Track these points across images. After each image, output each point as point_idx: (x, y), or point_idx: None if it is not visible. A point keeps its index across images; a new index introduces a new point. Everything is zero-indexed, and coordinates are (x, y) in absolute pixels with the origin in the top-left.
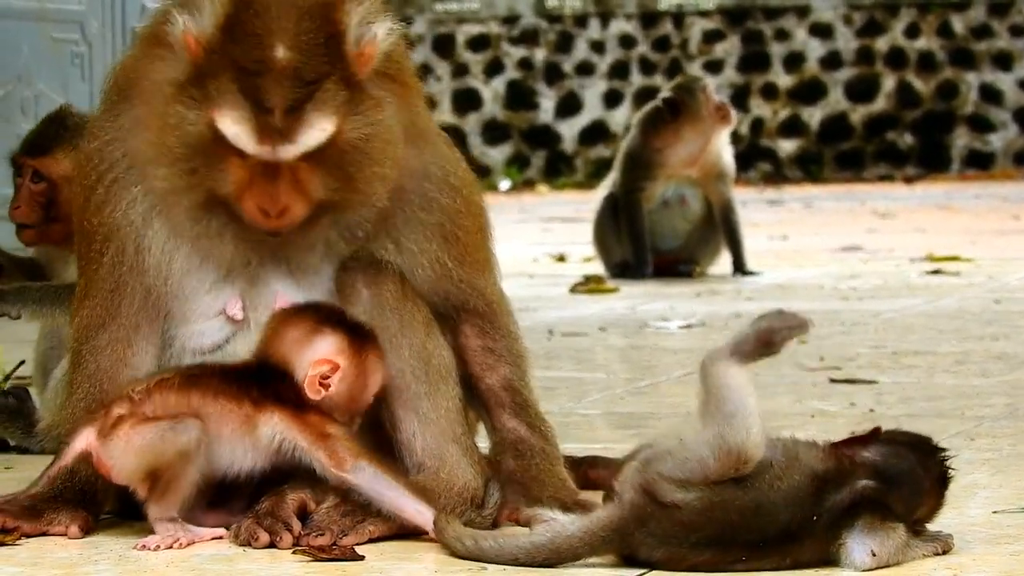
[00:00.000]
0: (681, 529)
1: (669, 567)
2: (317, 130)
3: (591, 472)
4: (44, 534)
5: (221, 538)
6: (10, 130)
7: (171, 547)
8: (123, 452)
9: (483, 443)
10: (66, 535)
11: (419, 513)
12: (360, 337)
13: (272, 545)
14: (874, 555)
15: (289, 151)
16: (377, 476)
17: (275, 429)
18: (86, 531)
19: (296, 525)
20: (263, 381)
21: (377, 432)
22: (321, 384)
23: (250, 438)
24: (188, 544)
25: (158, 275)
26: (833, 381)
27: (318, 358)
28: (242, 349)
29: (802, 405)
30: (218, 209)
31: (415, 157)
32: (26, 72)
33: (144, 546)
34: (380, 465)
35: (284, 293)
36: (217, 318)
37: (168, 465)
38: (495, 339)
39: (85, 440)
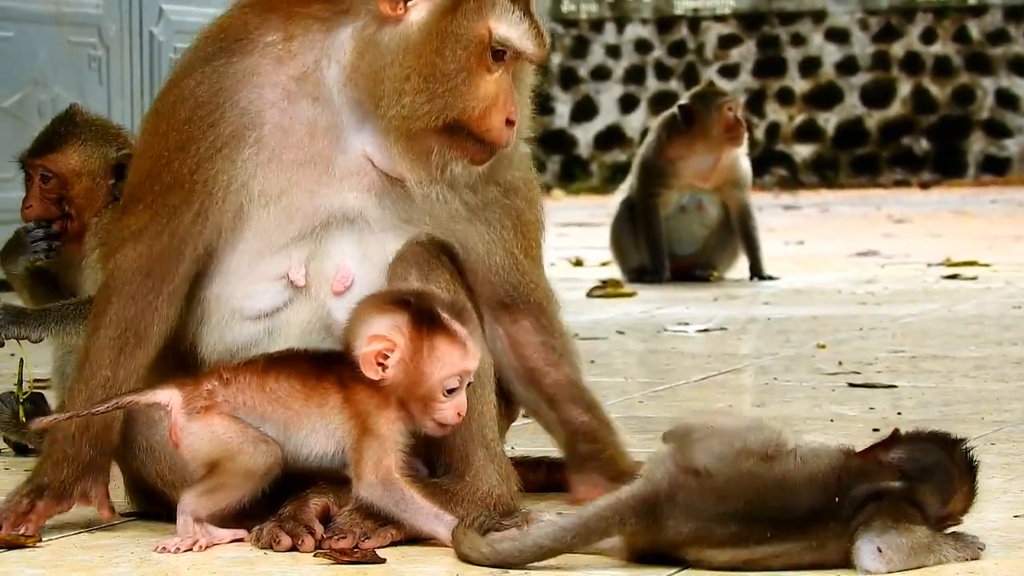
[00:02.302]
0: (711, 498)
1: (697, 544)
2: (548, 41)
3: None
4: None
5: (242, 540)
6: (27, 133)
7: (191, 549)
8: (203, 437)
9: (522, 446)
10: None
11: (433, 530)
12: (425, 320)
13: (294, 548)
14: (880, 552)
15: (543, 54)
16: (398, 496)
17: (330, 408)
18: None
19: (318, 528)
20: (340, 369)
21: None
22: (379, 363)
23: (326, 426)
24: (208, 546)
25: (231, 232)
26: (852, 386)
27: (376, 334)
28: (296, 318)
29: (821, 409)
30: (441, 149)
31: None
32: (43, 75)
33: (164, 548)
34: (408, 484)
35: (345, 268)
36: (277, 281)
37: (233, 473)
38: (554, 336)
39: (168, 398)
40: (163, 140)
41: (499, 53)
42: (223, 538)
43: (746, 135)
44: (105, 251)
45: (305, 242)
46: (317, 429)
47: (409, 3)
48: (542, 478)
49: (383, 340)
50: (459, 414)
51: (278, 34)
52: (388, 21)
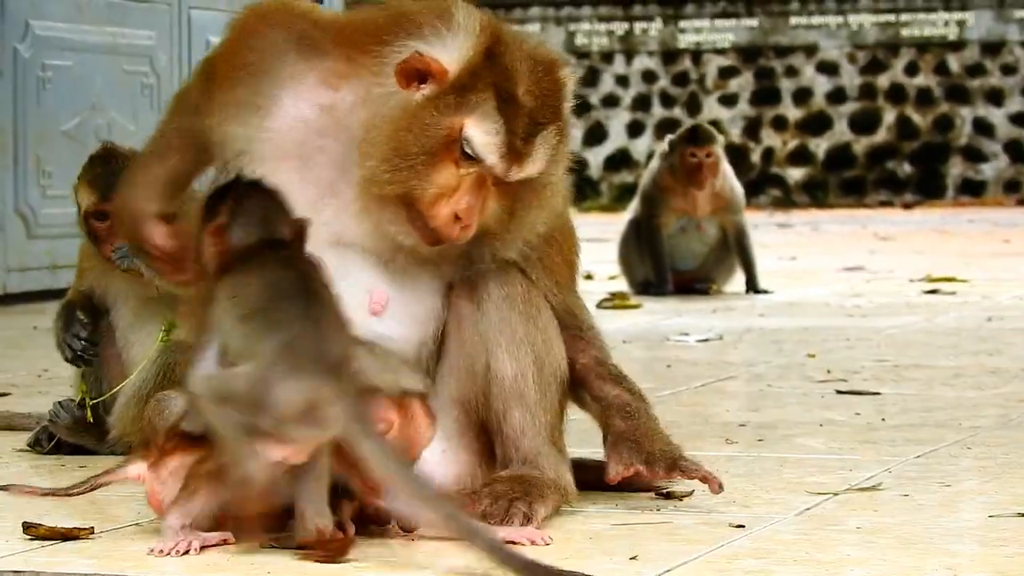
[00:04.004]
0: None
1: None
2: (538, 165)
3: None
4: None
5: (227, 542)
6: (84, 153)
7: (187, 552)
8: (177, 472)
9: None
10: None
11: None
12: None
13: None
14: None
15: (517, 172)
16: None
17: (313, 456)
18: None
19: (350, 529)
20: None
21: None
22: None
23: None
24: (202, 548)
25: None
26: (839, 392)
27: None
28: None
29: (811, 415)
30: (383, 208)
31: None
32: (99, 101)
33: (161, 551)
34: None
35: (377, 288)
36: None
37: (206, 477)
38: (582, 330)
39: (139, 471)
40: (210, 74)
41: (469, 154)
42: (211, 540)
43: (710, 178)
44: None
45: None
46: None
47: (423, 85)
48: (593, 478)
49: (382, 421)
50: None
51: (336, 65)
52: (400, 92)
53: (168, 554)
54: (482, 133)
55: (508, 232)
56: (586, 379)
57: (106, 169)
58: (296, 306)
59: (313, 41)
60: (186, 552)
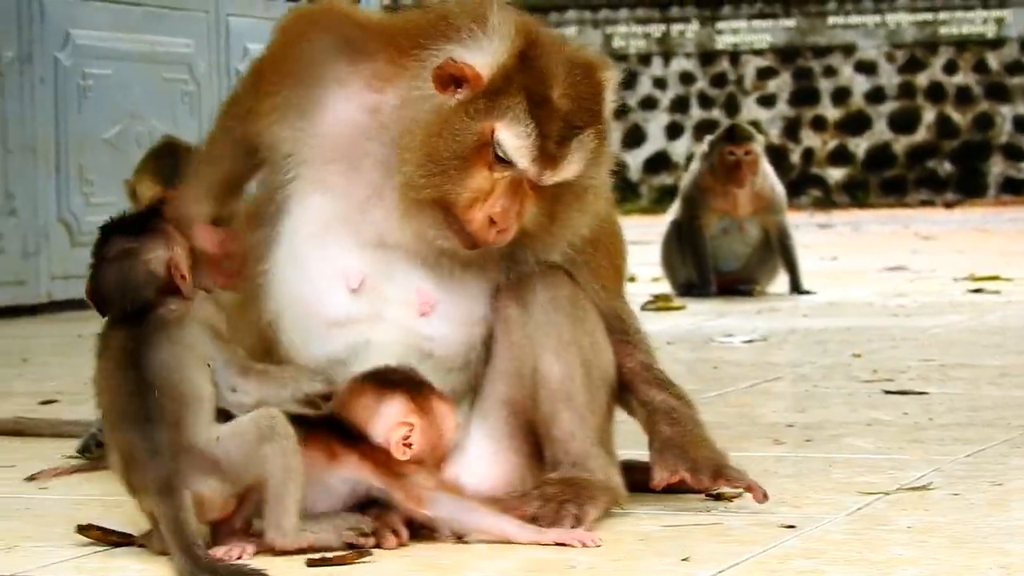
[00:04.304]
0: None
1: None
2: (573, 168)
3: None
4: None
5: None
6: (125, 162)
7: (240, 557)
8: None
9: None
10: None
11: (503, 531)
12: (420, 391)
13: (377, 546)
14: None
15: (550, 176)
16: (456, 504)
17: (352, 473)
18: None
19: (403, 531)
20: (340, 430)
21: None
22: (405, 445)
23: (329, 482)
24: (255, 553)
25: (288, 204)
26: (886, 392)
27: (394, 423)
28: (383, 338)
29: (858, 415)
30: (422, 212)
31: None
32: (139, 109)
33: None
34: (456, 492)
35: (425, 290)
36: (338, 283)
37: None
38: (628, 334)
39: None
40: (271, 55)
41: (502, 158)
42: (263, 546)
43: (750, 176)
44: None
45: (366, 253)
46: (323, 487)
47: (459, 90)
48: (643, 479)
49: (404, 425)
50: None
51: (381, 68)
52: (437, 96)
53: (222, 558)
54: (513, 137)
55: (550, 235)
56: (632, 383)
57: (168, 160)
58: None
59: (358, 44)
60: (239, 557)
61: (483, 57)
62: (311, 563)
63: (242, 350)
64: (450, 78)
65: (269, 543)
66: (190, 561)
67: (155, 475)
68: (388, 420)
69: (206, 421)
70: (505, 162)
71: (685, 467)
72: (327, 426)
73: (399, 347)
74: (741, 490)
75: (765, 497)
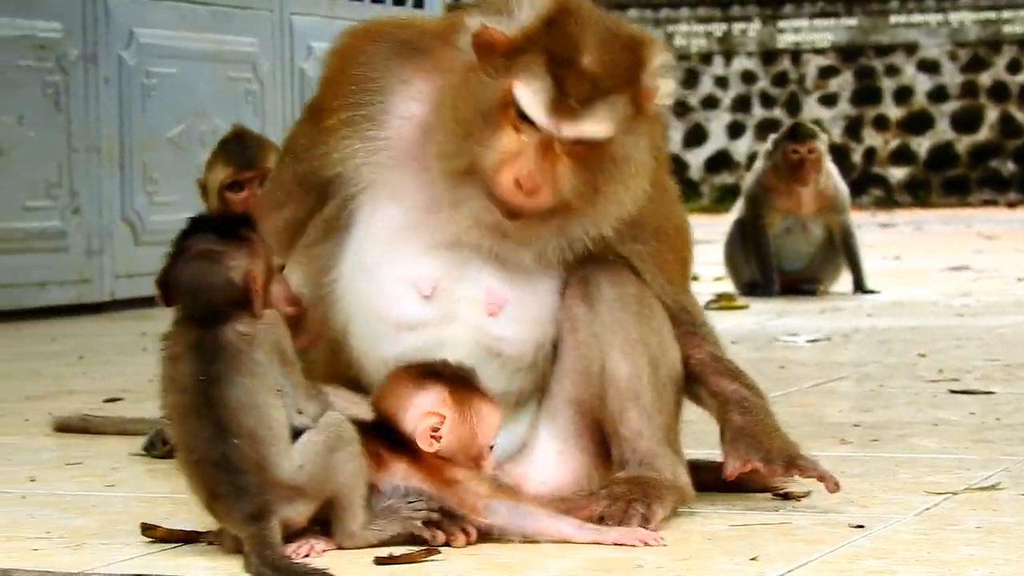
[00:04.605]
0: None
1: None
2: (599, 125)
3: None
4: None
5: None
6: (189, 160)
7: (308, 555)
8: None
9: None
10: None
11: (562, 533)
12: (463, 386)
13: (446, 544)
14: None
15: (570, 130)
16: (512, 509)
17: (402, 478)
18: None
19: (473, 531)
20: (388, 434)
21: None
22: (432, 436)
23: (380, 488)
24: (323, 551)
25: (360, 213)
26: (952, 392)
27: (424, 412)
28: (450, 336)
29: (924, 415)
30: (463, 184)
31: (644, 203)
32: (203, 108)
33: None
34: (512, 496)
35: (495, 290)
36: (408, 288)
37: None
38: (695, 326)
39: None
40: (327, 83)
41: (524, 116)
42: (331, 544)
43: (813, 175)
44: None
45: (436, 257)
46: (388, 492)
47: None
48: (710, 478)
49: (433, 415)
50: (494, 465)
51: (436, 58)
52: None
53: (297, 556)
54: (530, 92)
55: (593, 207)
56: (702, 375)
57: (239, 145)
58: None
59: (414, 42)
60: (307, 555)
61: (513, 23)
62: (379, 561)
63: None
64: (485, 46)
65: (338, 544)
66: (275, 572)
67: (242, 512)
68: (418, 409)
69: (286, 452)
70: (528, 121)
71: (758, 456)
72: (373, 432)
73: (468, 346)
74: (809, 490)
75: (837, 487)
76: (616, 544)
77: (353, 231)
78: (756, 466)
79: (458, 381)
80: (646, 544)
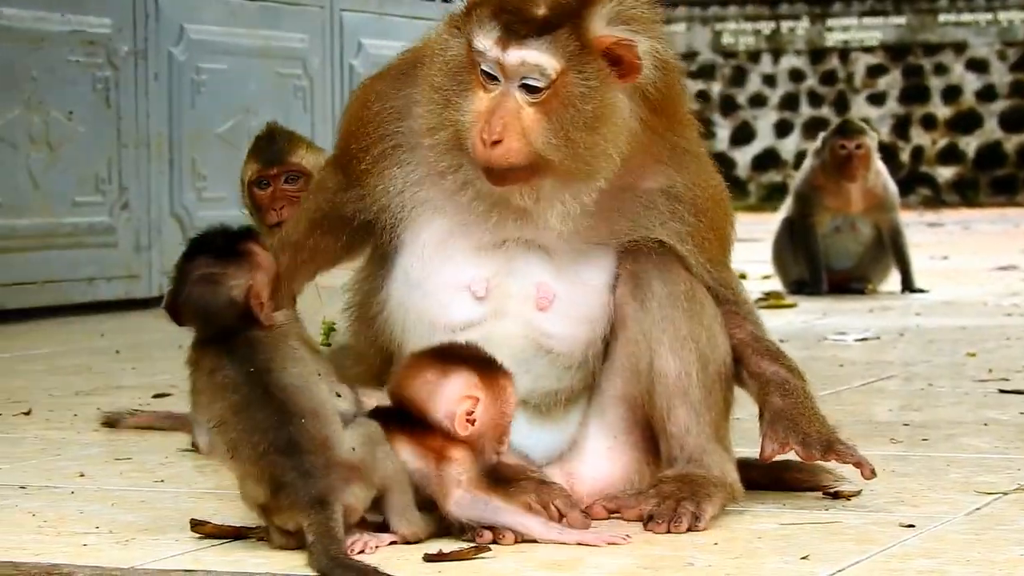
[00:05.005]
0: None
1: None
2: (544, 54)
3: (785, 474)
4: None
5: (396, 543)
6: (238, 156)
7: (363, 551)
8: None
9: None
10: None
11: (527, 527)
12: (487, 366)
13: (494, 542)
14: None
15: (511, 57)
16: (478, 502)
17: (406, 460)
18: None
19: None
20: (396, 418)
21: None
22: (468, 420)
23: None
24: (377, 547)
25: (407, 235)
26: (1002, 392)
27: (460, 396)
28: (501, 333)
29: (975, 414)
30: (453, 155)
31: (674, 174)
32: (253, 104)
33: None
34: (487, 490)
35: (545, 284)
36: (462, 293)
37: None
38: (736, 304)
39: None
40: (348, 133)
41: (488, 73)
42: (384, 540)
43: (862, 170)
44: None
45: (485, 258)
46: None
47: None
48: (758, 476)
49: (468, 399)
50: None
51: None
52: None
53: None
54: (482, 34)
55: (575, 160)
56: (743, 354)
57: (267, 142)
58: None
59: (414, 62)
60: (361, 551)
61: None
62: (428, 558)
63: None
64: (455, 17)
65: (402, 536)
66: (340, 568)
67: (308, 495)
68: (453, 394)
69: (340, 432)
70: (491, 76)
71: (796, 439)
72: (383, 415)
73: (518, 341)
74: (859, 489)
75: (873, 473)
76: (580, 544)
77: (401, 251)
78: (794, 449)
79: (482, 362)
80: (610, 544)
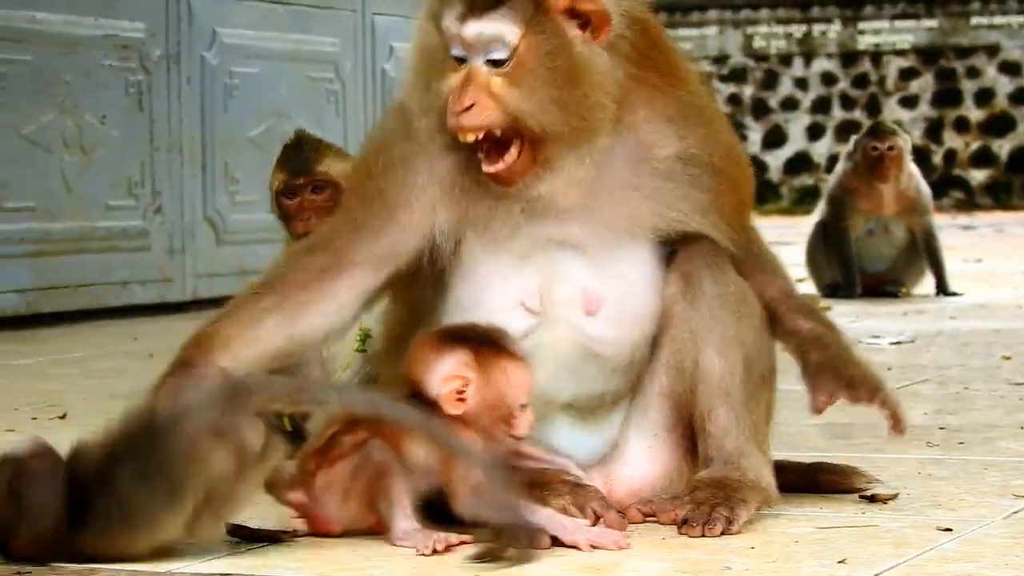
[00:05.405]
0: None
1: None
2: (500, 25)
3: (820, 476)
4: None
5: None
6: (270, 160)
7: (423, 553)
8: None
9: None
10: None
11: (536, 524)
12: (488, 347)
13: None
14: None
15: (469, 30)
16: (480, 504)
17: (422, 450)
18: None
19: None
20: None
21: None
22: (459, 399)
23: (409, 462)
24: (444, 548)
25: (457, 269)
26: None
27: (449, 375)
28: (550, 340)
29: (1010, 417)
30: (443, 137)
31: (685, 131)
32: (285, 108)
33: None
34: (492, 491)
35: (591, 289)
36: (515, 310)
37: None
38: (763, 261)
39: (290, 497)
40: (363, 181)
41: (458, 57)
42: (453, 540)
43: (894, 171)
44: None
45: (531, 268)
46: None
47: None
48: (794, 480)
49: (456, 379)
50: (531, 425)
51: None
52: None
53: (427, 554)
54: (445, 14)
55: (556, 124)
56: (776, 311)
57: (295, 151)
58: None
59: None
60: (433, 552)
61: None
62: (469, 559)
63: None
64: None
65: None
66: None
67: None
68: (442, 372)
69: None
70: (460, 60)
71: (841, 385)
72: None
73: (565, 346)
74: (895, 492)
75: (903, 431)
76: (575, 547)
77: (449, 271)
78: (841, 395)
79: (485, 342)
80: (618, 547)
